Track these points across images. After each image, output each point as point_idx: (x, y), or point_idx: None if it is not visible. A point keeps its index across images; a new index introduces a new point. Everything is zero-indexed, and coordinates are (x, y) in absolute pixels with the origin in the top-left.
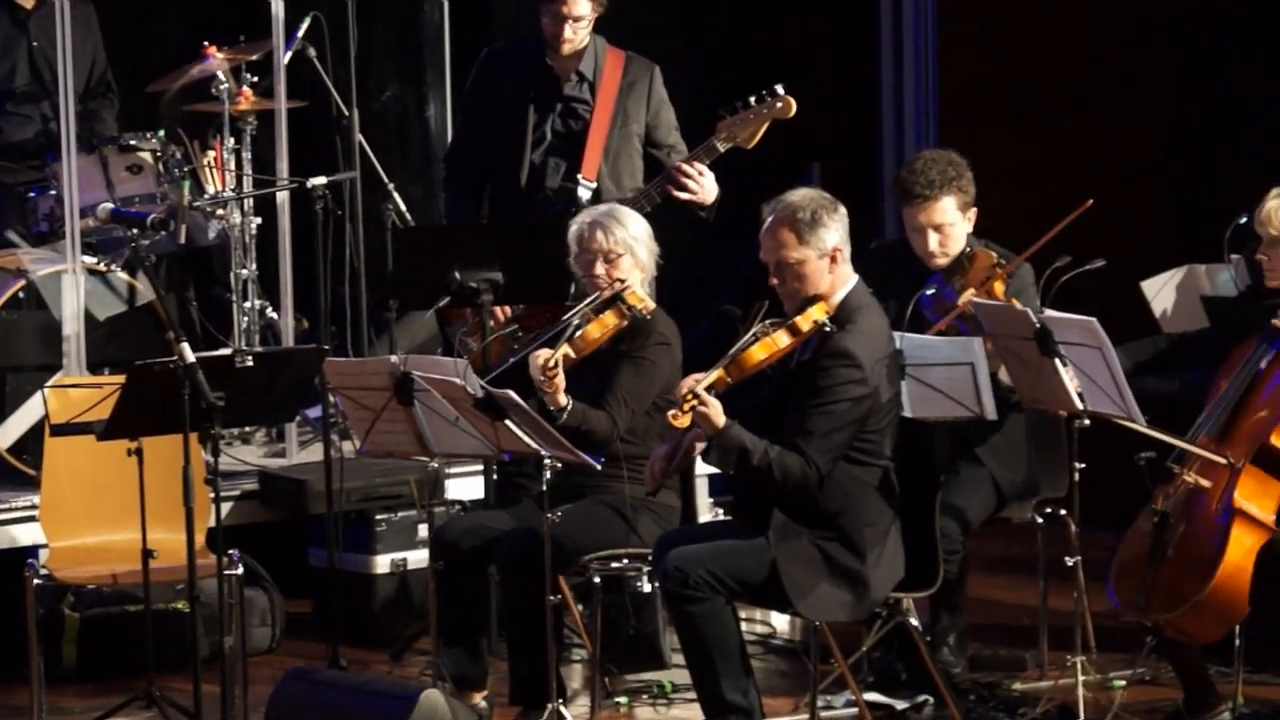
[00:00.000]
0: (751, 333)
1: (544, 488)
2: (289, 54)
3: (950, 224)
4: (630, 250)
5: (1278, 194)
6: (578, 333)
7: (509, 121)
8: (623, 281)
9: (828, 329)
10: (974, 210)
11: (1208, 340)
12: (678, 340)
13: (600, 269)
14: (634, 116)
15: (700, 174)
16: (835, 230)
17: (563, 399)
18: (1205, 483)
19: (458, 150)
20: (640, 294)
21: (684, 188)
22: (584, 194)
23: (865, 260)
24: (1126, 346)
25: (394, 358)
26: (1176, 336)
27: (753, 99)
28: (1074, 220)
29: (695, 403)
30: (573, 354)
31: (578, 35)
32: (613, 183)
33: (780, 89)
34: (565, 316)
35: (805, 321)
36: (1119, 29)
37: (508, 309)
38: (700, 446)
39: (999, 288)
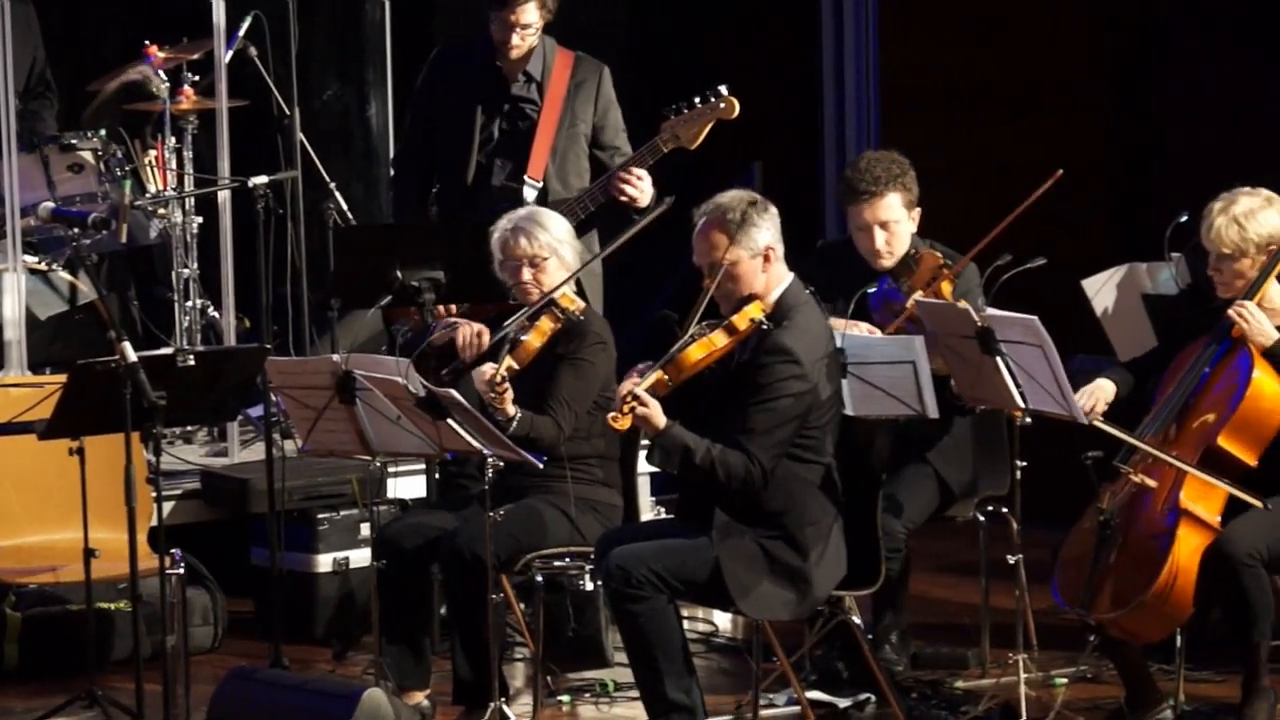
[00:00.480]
0: (689, 334)
1: (486, 487)
2: (230, 53)
3: (896, 221)
4: (555, 253)
5: (1223, 210)
6: (518, 344)
7: (457, 121)
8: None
9: (765, 327)
10: (918, 210)
11: (1160, 357)
12: (611, 339)
13: (527, 275)
14: (581, 117)
15: (639, 178)
16: (766, 229)
17: (511, 409)
18: (1151, 482)
19: (406, 149)
20: (571, 295)
21: (623, 192)
22: (529, 194)
23: (809, 260)
24: (1117, 372)
25: (336, 357)
26: (1138, 362)
27: (696, 99)
28: (1017, 219)
29: (634, 404)
30: (516, 365)
31: (526, 42)
32: (559, 182)
33: (724, 89)
34: (503, 328)
35: (742, 321)
36: (1059, 28)
37: (454, 307)
38: (616, 425)
39: (946, 288)
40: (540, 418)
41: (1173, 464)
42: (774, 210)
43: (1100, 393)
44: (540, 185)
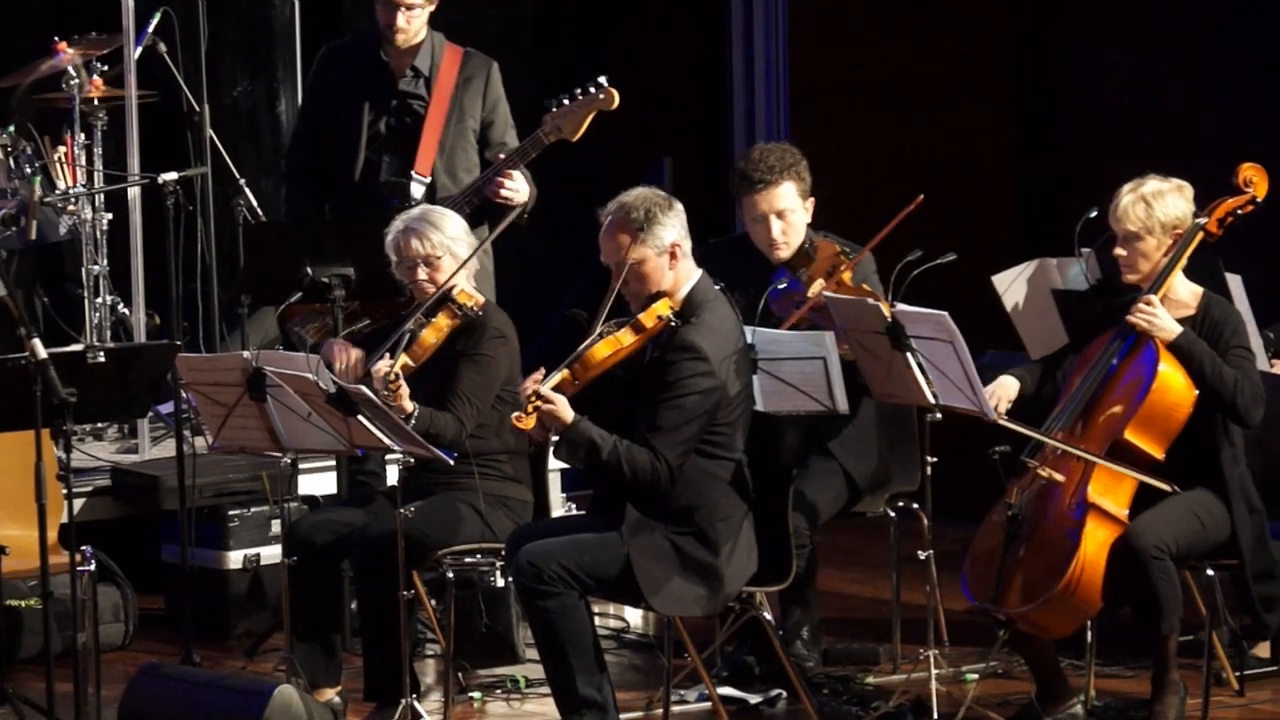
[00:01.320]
0: (596, 332)
1: (396, 483)
2: (139, 49)
3: (791, 211)
4: (449, 251)
5: (1132, 189)
6: (414, 341)
7: (344, 118)
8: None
9: (673, 324)
10: (812, 200)
11: (1068, 353)
12: (513, 332)
13: (422, 274)
14: (470, 112)
15: (511, 177)
16: (672, 227)
17: (409, 405)
18: (1059, 477)
19: (297, 147)
20: (469, 291)
21: (498, 194)
22: (417, 190)
23: (703, 257)
24: (1024, 371)
25: (246, 353)
26: (1047, 360)
27: (577, 91)
28: (911, 213)
29: (539, 402)
30: (412, 362)
31: (411, 25)
32: (448, 178)
33: (604, 80)
34: (403, 327)
35: (649, 318)
36: (967, 25)
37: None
38: (521, 424)
39: (848, 277)
40: (441, 413)
41: (1082, 456)
42: (680, 207)
43: (1002, 390)
44: (428, 181)
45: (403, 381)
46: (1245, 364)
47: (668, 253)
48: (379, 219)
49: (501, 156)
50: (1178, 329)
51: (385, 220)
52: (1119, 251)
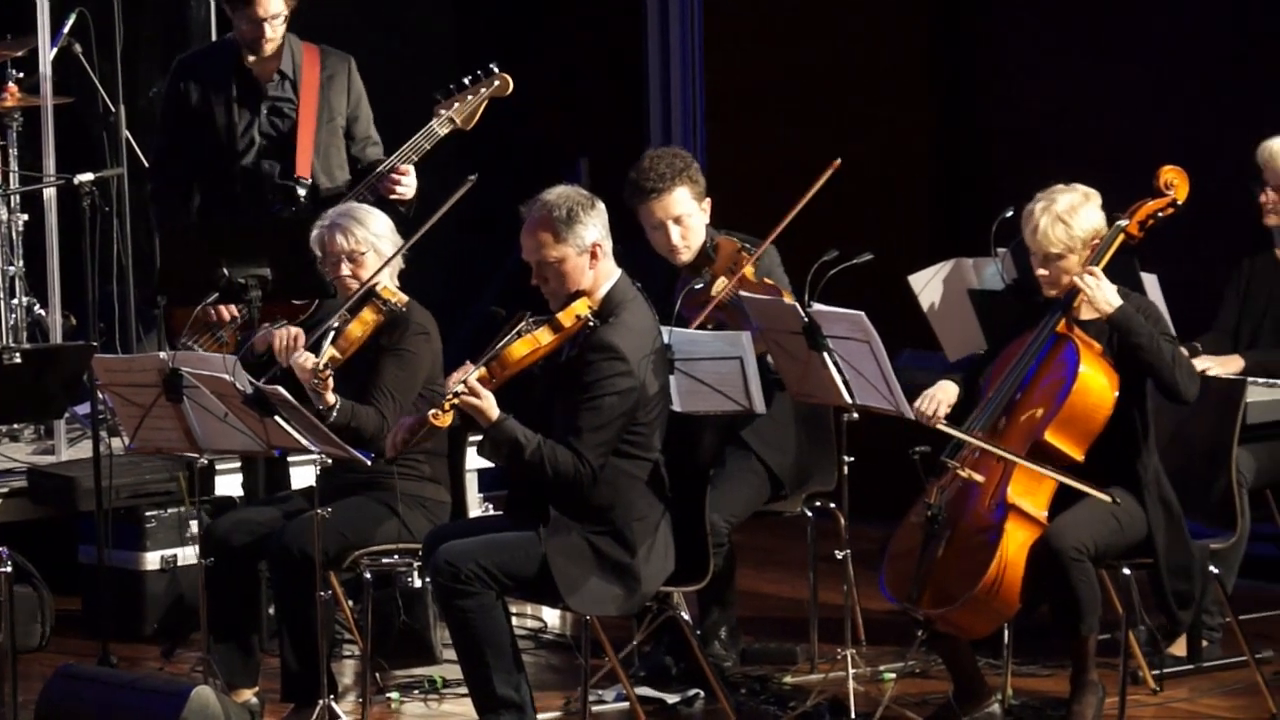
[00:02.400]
0: (515, 330)
1: (312, 484)
2: (55, 50)
3: (687, 214)
4: (373, 247)
5: (1044, 209)
6: (340, 334)
7: (215, 129)
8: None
9: (591, 324)
10: (708, 201)
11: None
12: (435, 330)
13: (346, 270)
14: (337, 110)
15: (404, 173)
16: (593, 226)
17: (331, 398)
18: (979, 477)
19: (164, 164)
20: (392, 288)
21: (393, 191)
22: (301, 191)
23: None
24: (959, 376)
25: (163, 354)
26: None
27: (467, 79)
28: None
29: (464, 394)
30: (339, 355)
31: (277, 33)
32: (325, 176)
33: (494, 67)
34: (328, 322)
35: (567, 317)
36: (884, 27)
37: (233, 308)
38: (438, 421)
39: (750, 271)
40: (363, 407)
41: (1004, 456)
42: (601, 207)
43: (943, 394)
44: (310, 182)
45: (330, 373)
46: (1175, 342)
47: (588, 252)
48: (303, 219)
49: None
50: (1118, 301)
51: (299, 222)
52: (1041, 272)
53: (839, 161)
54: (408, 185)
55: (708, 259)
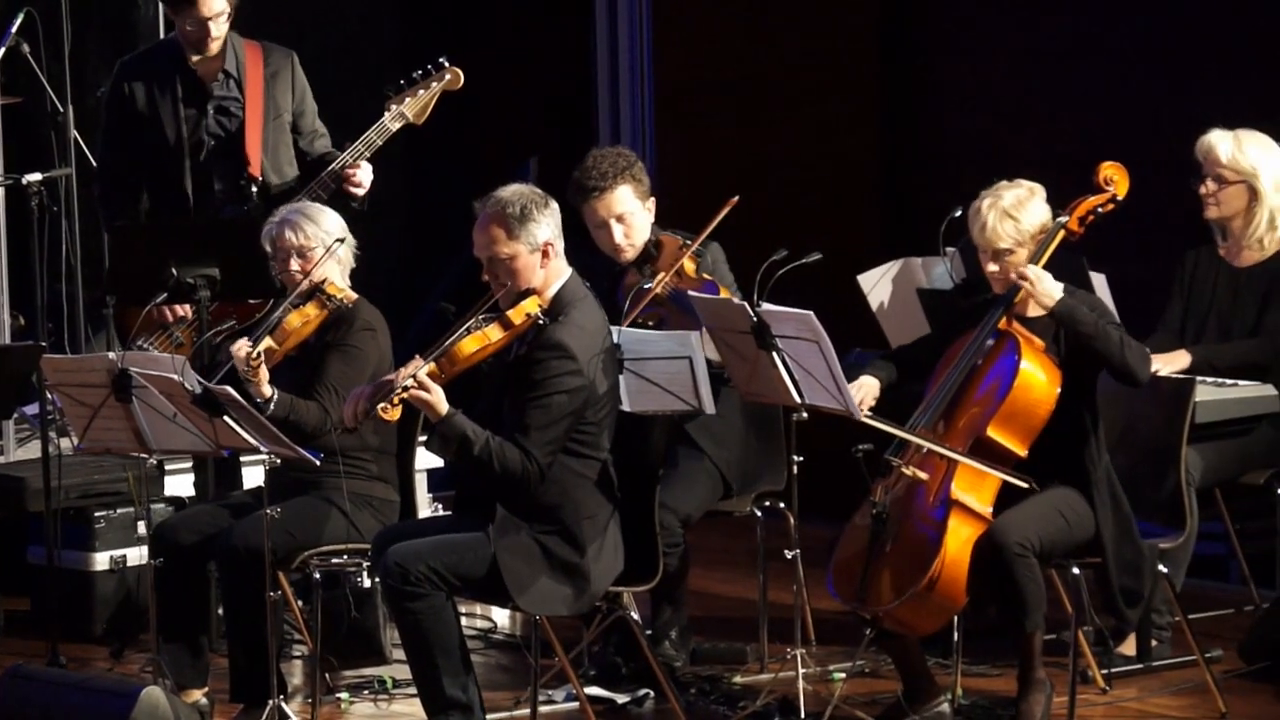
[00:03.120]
0: (464, 326)
1: (261, 484)
2: (2, 50)
3: (630, 213)
4: (323, 244)
5: (991, 205)
6: (279, 325)
7: (161, 131)
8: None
9: (541, 322)
10: (653, 200)
11: (927, 344)
12: (383, 327)
13: (295, 265)
14: (283, 106)
15: (360, 169)
16: (546, 225)
17: (267, 390)
18: (923, 475)
19: (108, 166)
20: (340, 284)
21: (352, 191)
22: (253, 190)
23: None
24: (881, 366)
25: (112, 354)
26: (895, 354)
27: (418, 74)
28: (761, 210)
29: (414, 388)
30: (275, 345)
31: (221, 33)
32: (275, 174)
33: (445, 61)
34: (264, 312)
35: (517, 315)
36: (833, 25)
37: (179, 308)
38: (386, 414)
39: (689, 266)
40: (303, 401)
41: (945, 453)
42: (555, 206)
43: (865, 390)
44: (261, 181)
45: (263, 362)
46: (1121, 328)
47: (540, 250)
48: (252, 219)
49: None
50: (1060, 294)
51: (251, 221)
52: (991, 268)
53: (736, 199)
54: (364, 179)
55: (650, 257)
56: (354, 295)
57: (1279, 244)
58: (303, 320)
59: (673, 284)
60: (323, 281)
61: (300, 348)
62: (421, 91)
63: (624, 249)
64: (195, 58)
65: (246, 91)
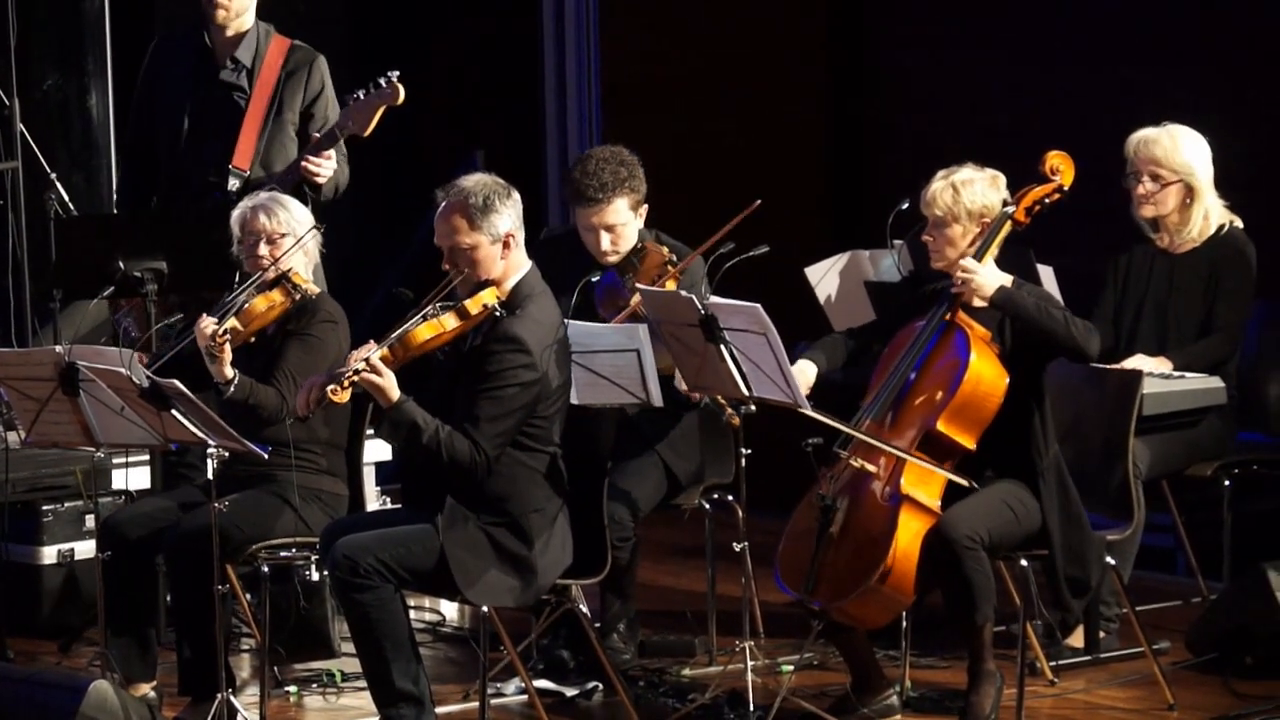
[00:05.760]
0: (420, 313)
1: (209, 476)
2: None
3: (622, 224)
4: (293, 232)
5: (944, 176)
6: (244, 308)
7: (168, 111)
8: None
9: (498, 314)
10: (645, 207)
11: (878, 331)
12: (344, 321)
13: (263, 250)
14: (289, 105)
15: (326, 159)
16: (508, 216)
17: (229, 371)
18: (871, 467)
19: (129, 139)
20: (304, 275)
21: (313, 181)
22: (234, 183)
23: (534, 250)
24: (819, 351)
25: (59, 348)
26: (849, 333)
27: (369, 86)
28: (744, 217)
29: (365, 371)
30: (240, 326)
31: (233, 5)
32: (263, 171)
33: (394, 75)
34: (230, 295)
35: (474, 305)
36: (778, 20)
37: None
38: (336, 396)
39: (671, 285)
40: (263, 386)
41: (890, 452)
42: (517, 197)
43: (801, 379)
44: (246, 174)
45: (228, 340)
46: (1064, 310)
47: (501, 241)
48: (197, 212)
49: (314, 138)
50: (996, 284)
51: (204, 213)
52: (926, 237)
53: (759, 202)
54: (325, 169)
55: (632, 265)
56: (317, 288)
57: (1211, 231)
58: (268, 305)
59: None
60: (289, 270)
61: (258, 336)
62: (367, 105)
63: (609, 254)
64: (212, 35)
65: (256, 85)
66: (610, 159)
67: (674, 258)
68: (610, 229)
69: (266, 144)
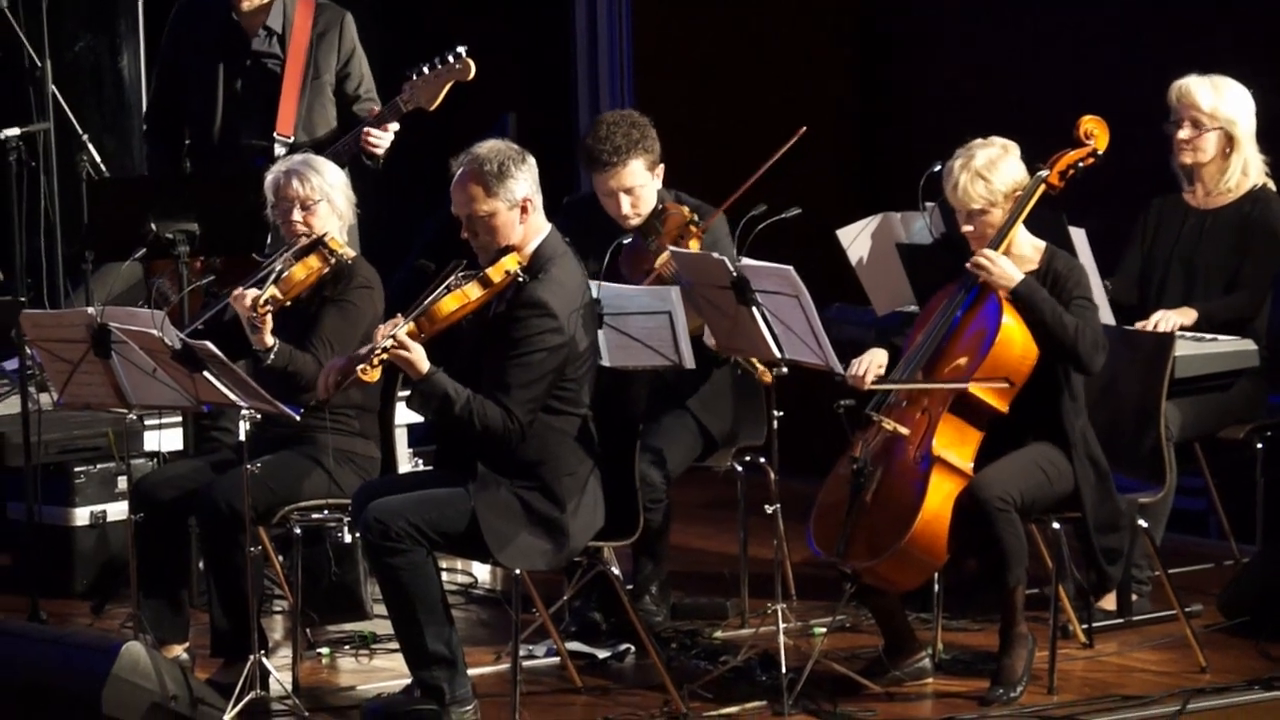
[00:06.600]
0: (444, 285)
1: (242, 439)
2: None
3: (640, 185)
4: (327, 197)
5: (964, 166)
6: (283, 275)
7: (199, 79)
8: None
9: (521, 279)
10: (662, 166)
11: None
12: (380, 286)
13: (298, 216)
14: (325, 67)
15: (385, 131)
16: (524, 181)
17: (269, 339)
18: (903, 429)
19: (154, 107)
20: (340, 240)
21: (371, 152)
22: (280, 150)
23: (559, 215)
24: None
25: (91, 310)
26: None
27: (437, 61)
28: (766, 172)
29: (394, 347)
30: (279, 295)
31: None
32: (306, 135)
33: (462, 51)
34: (267, 262)
35: (497, 273)
36: None
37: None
38: (366, 375)
39: (695, 245)
40: (301, 352)
41: (930, 387)
42: (532, 161)
43: (872, 358)
44: (290, 141)
45: (269, 310)
46: (1087, 313)
47: (519, 207)
48: (231, 174)
49: (371, 110)
50: (1018, 276)
51: (239, 175)
52: (966, 229)
53: (804, 129)
54: (385, 141)
55: (655, 227)
56: (353, 252)
57: (1246, 188)
58: (306, 272)
59: (674, 265)
60: (325, 236)
61: (294, 300)
62: (435, 79)
63: (630, 218)
64: (242, 6)
65: (289, 49)
66: (621, 121)
67: (695, 217)
68: (629, 191)
69: (307, 108)
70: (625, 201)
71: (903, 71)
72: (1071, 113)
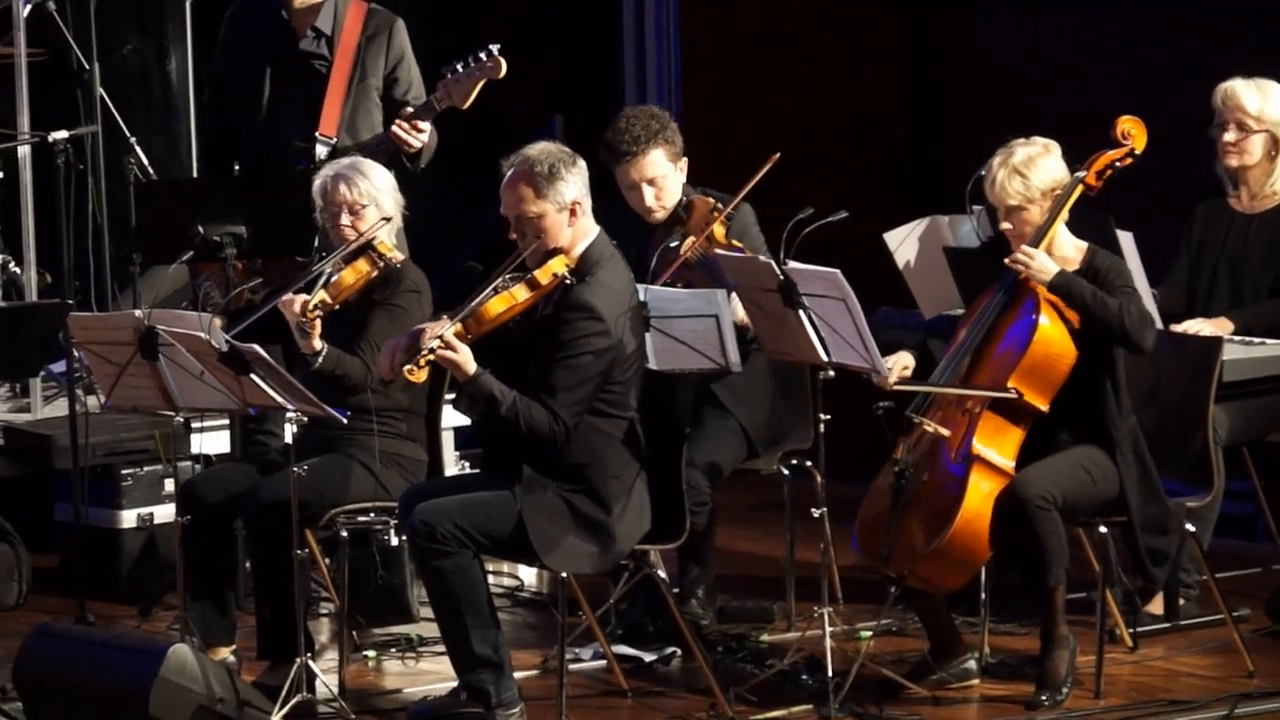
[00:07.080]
0: (491, 286)
1: (289, 441)
2: (28, 6)
3: (662, 176)
4: (375, 201)
5: (1002, 163)
6: (332, 280)
7: (247, 79)
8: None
9: (568, 282)
10: (684, 160)
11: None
12: (428, 290)
13: (346, 220)
14: (372, 71)
15: (418, 130)
16: (574, 183)
17: (318, 344)
18: (945, 431)
19: (209, 110)
20: (389, 244)
21: (407, 150)
22: (322, 150)
23: (596, 217)
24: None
25: (138, 312)
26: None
27: (470, 59)
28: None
29: (441, 348)
30: (329, 299)
31: None
32: (350, 138)
33: (495, 49)
34: (316, 266)
35: (544, 275)
36: None
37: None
38: (413, 376)
39: (719, 231)
40: (349, 356)
41: (970, 394)
42: (582, 164)
43: (897, 361)
44: (333, 142)
45: (319, 315)
46: (1130, 295)
47: (568, 209)
48: (279, 176)
49: (409, 110)
50: (1054, 269)
51: (285, 178)
52: (1005, 226)
53: (777, 156)
54: (418, 138)
55: (679, 219)
56: (401, 255)
57: None
58: (355, 276)
59: (701, 248)
60: (374, 240)
61: (342, 306)
62: (468, 77)
63: (655, 210)
64: (289, 9)
65: (337, 51)
66: (640, 114)
67: (719, 205)
68: (651, 182)
69: (351, 110)
70: (649, 193)
71: (951, 74)
72: (1121, 114)
